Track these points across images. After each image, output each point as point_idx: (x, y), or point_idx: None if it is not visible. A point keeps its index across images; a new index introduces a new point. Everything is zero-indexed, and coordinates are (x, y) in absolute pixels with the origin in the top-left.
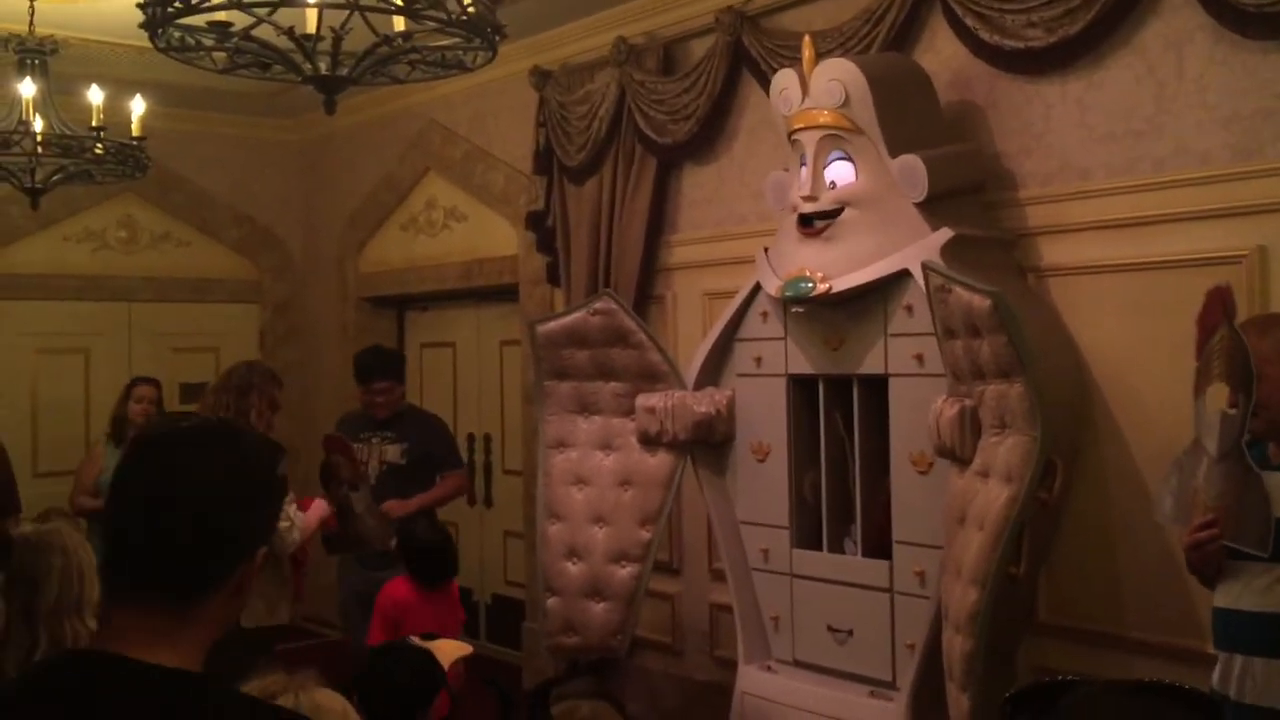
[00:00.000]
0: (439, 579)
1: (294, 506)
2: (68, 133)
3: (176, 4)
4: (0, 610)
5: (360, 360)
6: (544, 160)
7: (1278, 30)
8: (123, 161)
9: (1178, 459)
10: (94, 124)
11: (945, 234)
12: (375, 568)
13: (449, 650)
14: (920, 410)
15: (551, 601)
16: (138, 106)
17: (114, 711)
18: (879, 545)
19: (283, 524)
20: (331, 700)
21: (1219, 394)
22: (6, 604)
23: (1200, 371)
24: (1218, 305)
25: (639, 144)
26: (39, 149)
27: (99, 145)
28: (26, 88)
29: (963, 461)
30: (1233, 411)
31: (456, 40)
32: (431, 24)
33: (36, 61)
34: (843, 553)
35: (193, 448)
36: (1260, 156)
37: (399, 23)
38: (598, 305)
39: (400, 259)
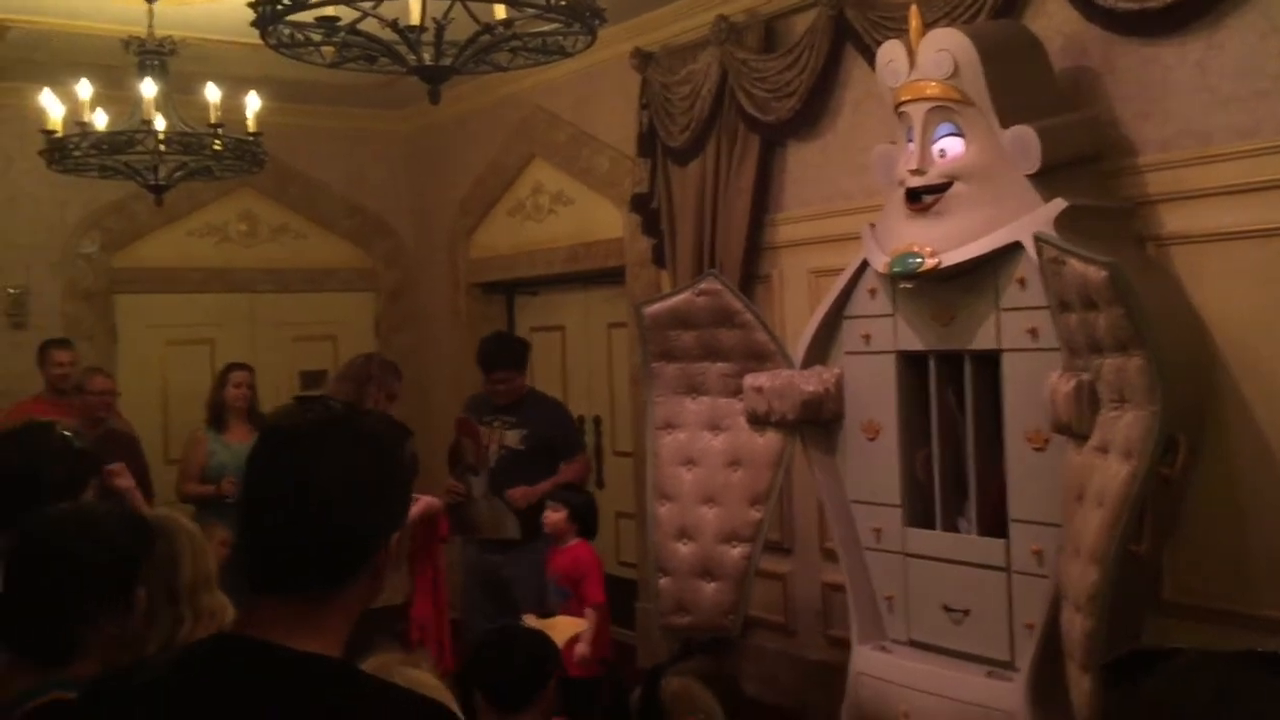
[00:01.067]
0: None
1: None
2: (188, 131)
3: (285, 1)
4: (142, 593)
5: (482, 348)
6: (648, 142)
7: None
8: (240, 157)
9: None
10: (212, 121)
11: (1059, 204)
12: (492, 551)
13: (565, 628)
14: (1035, 386)
15: (663, 581)
16: (253, 103)
17: (264, 698)
18: (994, 523)
19: None
20: (427, 680)
21: None
22: (147, 586)
23: None
24: None
25: (742, 123)
26: (161, 147)
27: (218, 141)
28: (148, 88)
29: (1080, 437)
30: None
31: (556, 26)
32: (531, 10)
33: (156, 63)
34: (957, 531)
35: (323, 438)
36: None
37: (499, 11)
38: (703, 285)
39: (508, 244)
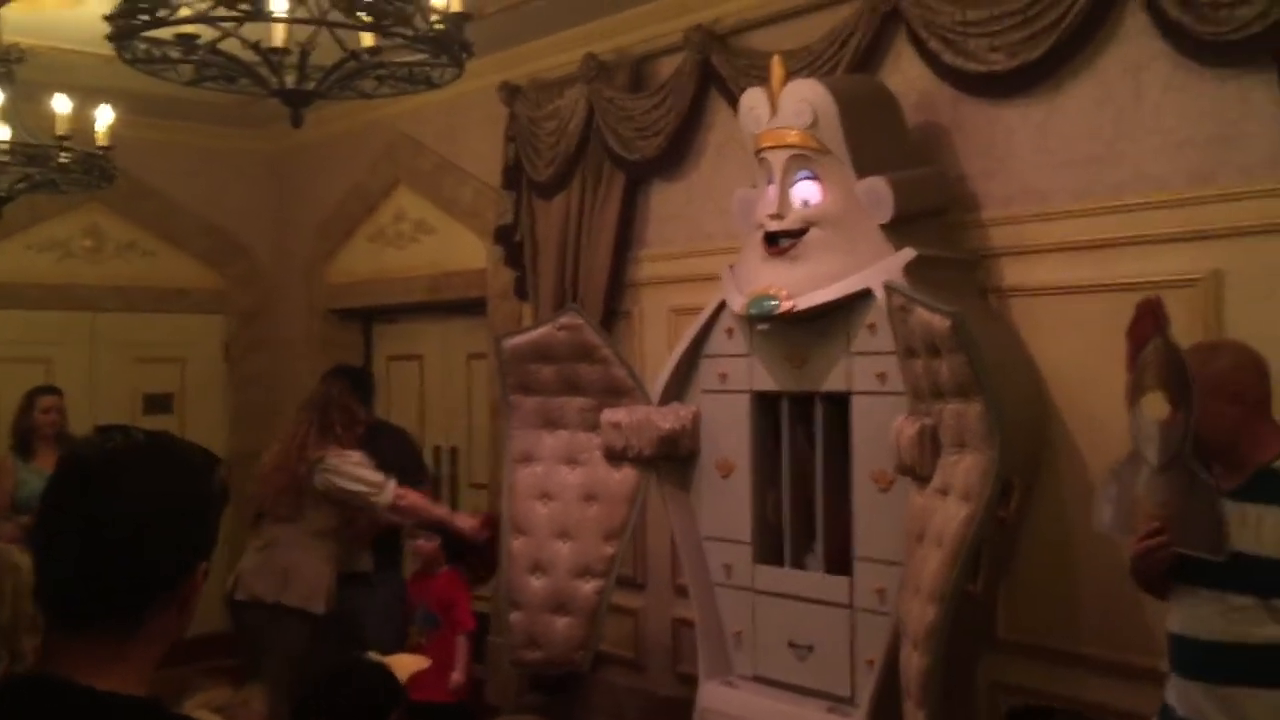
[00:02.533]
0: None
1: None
2: (33, 141)
3: (143, 17)
4: None
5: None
6: (513, 175)
7: (1232, 58)
8: (89, 171)
9: (1114, 468)
10: (59, 133)
11: (908, 254)
12: (341, 584)
13: (407, 664)
14: (882, 428)
15: (515, 616)
16: (105, 116)
17: None
18: (840, 562)
19: (363, 489)
20: None
21: (1154, 403)
22: None
23: (1133, 382)
24: (1149, 316)
25: (608, 160)
26: (3, 158)
27: (65, 154)
28: None
29: (923, 479)
30: (1172, 421)
31: (424, 56)
32: (399, 40)
33: (2, 70)
34: (805, 569)
35: (125, 467)
36: (1215, 182)
37: (366, 38)
38: (564, 320)
39: (368, 270)
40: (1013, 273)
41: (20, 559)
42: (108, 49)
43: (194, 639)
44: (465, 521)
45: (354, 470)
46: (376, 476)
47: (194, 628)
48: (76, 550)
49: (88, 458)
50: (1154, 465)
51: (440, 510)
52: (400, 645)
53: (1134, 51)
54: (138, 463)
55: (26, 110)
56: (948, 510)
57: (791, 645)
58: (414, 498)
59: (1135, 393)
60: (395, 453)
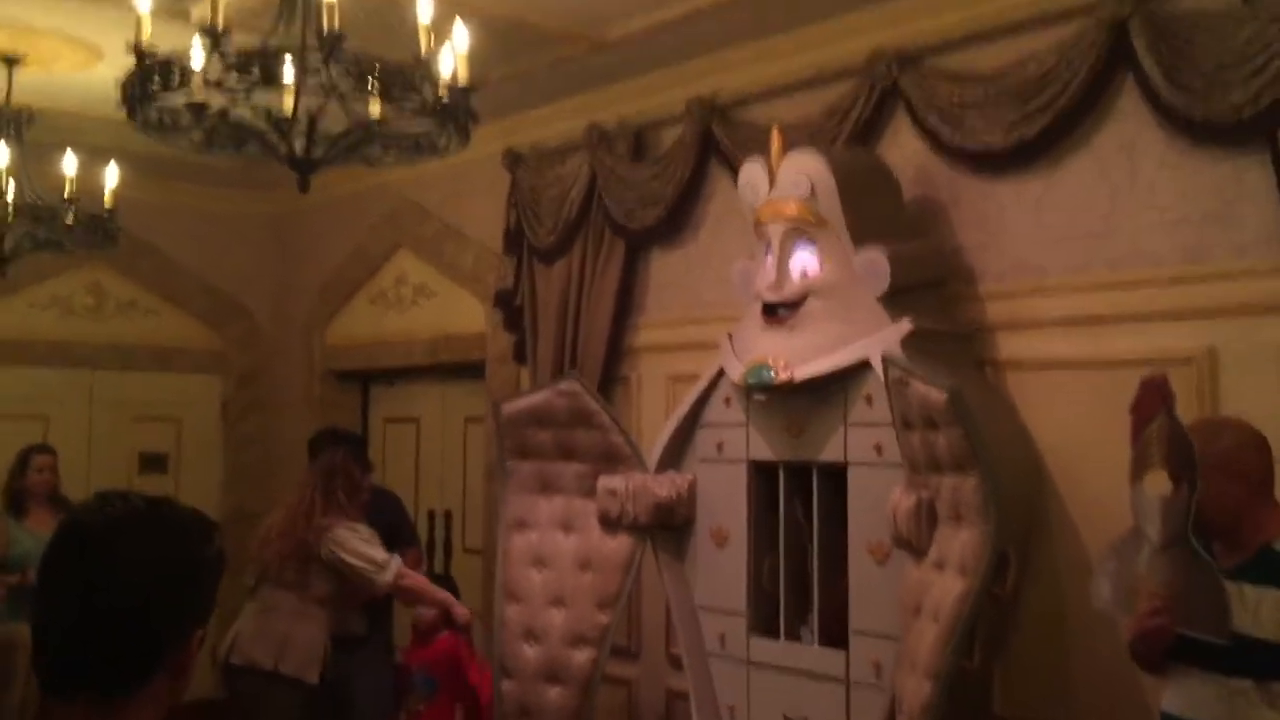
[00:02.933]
0: None
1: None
2: (39, 201)
3: (155, 83)
4: None
5: (316, 444)
6: (514, 240)
7: (1224, 138)
8: (93, 231)
9: (1114, 545)
10: (67, 194)
11: (905, 326)
12: (346, 651)
13: None
14: (878, 500)
15: (507, 685)
16: (111, 177)
17: None
18: (836, 634)
19: (366, 567)
20: None
21: (1157, 480)
22: None
23: (1137, 458)
24: (1155, 393)
25: (608, 227)
26: (10, 216)
27: (71, 214)
28: (1, 155)
29: (919, 552)
30: (1175, 499)
31: (430, 126)
32: (407, 110)
33: (12, 130)
34: (800, 641)
35: (124, 533)
36: (1209, 260)
37: (375, 108)
38: (563, 386)
39: (368, 333)
40: (1009, 346)
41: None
42: (117, 111)
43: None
44: (462, 610)
45: (360, 547)
46: (381, 555)
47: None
48: (73, 617)
49: (86, 524)
50: (1156, 544)
51: (440, 594)
52: (391, 709)
53: (1129, 130)
54: (136, 529)
55: (34, 170)
56: (944, 584)
57: (786, 719)
58: (416, 579)
59: (1138, 469)
60: (385, 516)
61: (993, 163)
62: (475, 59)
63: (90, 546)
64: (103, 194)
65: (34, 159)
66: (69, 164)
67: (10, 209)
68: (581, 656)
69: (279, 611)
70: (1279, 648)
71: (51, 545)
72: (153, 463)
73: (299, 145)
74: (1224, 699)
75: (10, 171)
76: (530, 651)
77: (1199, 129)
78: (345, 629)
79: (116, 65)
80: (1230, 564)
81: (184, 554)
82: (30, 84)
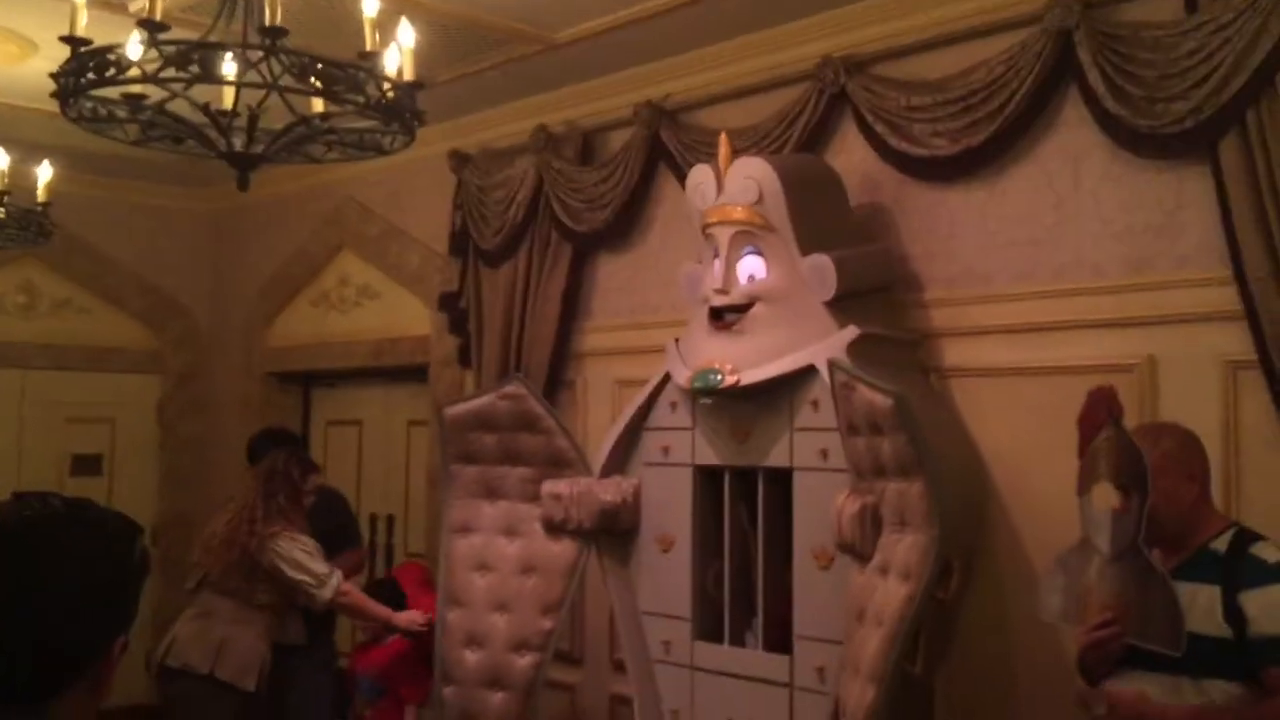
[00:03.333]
0: None
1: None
2: None
3: (91, 75)
4: None
5: (256, 446)
6: (459, 242)
7: (1167, 150)
8: (25, 227)
9: (1061, 557)
10: None
11: (852, 332)
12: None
13: None
14: (823, 505)
15: (448, 691)
16: (44, 172)
17: None
18: (780, 639)
19: (307, 580)
20: None
21: (1105, 492)
22: None
23: (1084, 470)
24: (1101, 405)
25: (555, 230)
26: None
27: (1, 209)
28: None
29: (863, 558)
30: (1125, 510)
31: (375, 123)
32: (351, 106)
33: None
34: (744, 646)
35: (40, 537)
36: (1151, 269)
37: (317, 104)
38: (507, 389)
39: (309, 334)
40: (954, 353)
41: None
42: (51, 105)
43: (115, 709)
44: (405, 618)
45: (301, 559)
46: (322, 569)
47: (119, 697)
48: None
49: (2, 527)
50: (1106, 555)
51: (378, 610)
52: (328, 718)
53: (1074, 141)
54: (55, 532)
55: None
56: (888, 589)
57: None
58: (356, 596)
59: (1086, 481)
60: (328, 515)
61: (939, 170)
62: (423, 59)
63: (5, 552)
64: (35, 190)
65: None
66: (0, 158)
67: None
68: (524, 662)
69: (218, 616)
70: (1211, 641)
71: None
72: (86, 464)
73: (239, 141)
74: (1162, 695)
75: None
76: (472, 657)
77: (1142, 139)
78: (286, 636)
79: (52, 59)
80: (1170, 566)
81: (106, 558)
82: None
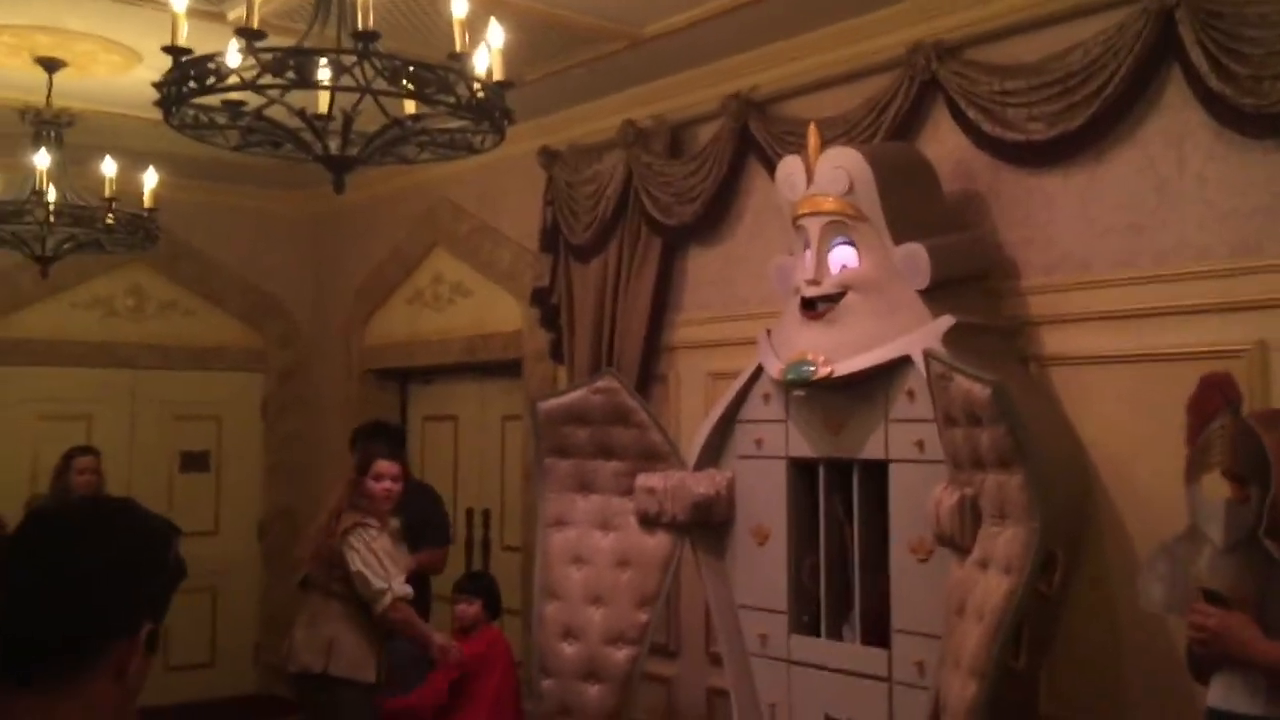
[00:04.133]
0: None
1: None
2: (80, 203)
3: (192, 84)
4: None
5: (353, 440)
6: (550, 238)
7: (1274, 129)
8: (133, 232)
9: (1166, 545)
10: (106, 195)
11: (947, 321)
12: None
13: None
14: (920, 497)
15: (547, 684)
16: (150, 179)
17: None
18: (878, 633)
19: (377, 585)
20: None
21: (1217, 481)
22: None
23: (1195, 458)
24: (1216, 391)
25: (645, 224)
26: (50, 219)
27: (110, 216)
28: (41, 159)
29: (962, 551)
30: (1242, 500)
31: (466, 123)
32: (442, 107)
33: (52, 133)
34: (841, 639)
35: (70, 526)
36: (1260, 253)
37: (410, 105)
38: (600, 384)
39: (405, 332)
40: (1053, 341)
41: None
42: (155, 113)
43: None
44: (441, 643)
45: (361, 567)
46: (379, 584)
47: (225, 689)
48: (12, 601)
49: (40, 514)
50: (1220, 545)
51: (421, 631)
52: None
53: (1176, 122)
54: (94, 518)
55: (75, 172)
56: (988, 583)
57: (828, 718)
58: (405, 613)
59: (1196, 470)
60: (422, 513)
61: (1036, 155)
62: (511, 58)
63: (32, 538)
64: (142, 196)
65: (74, 162)
66: (108, 166)
67: (51, 211)
68: (621, 655)
69: (325, 615)
70: None
71: (12, 534)
72: (194, 461)
73: (334, 144)
74: (1267, 688)
75: (50, 175)
76: (570, 650)
77: (1248, 119)
78: None
79: (154, 68)
80: None
81: (138, 545)
82: (70, 88)
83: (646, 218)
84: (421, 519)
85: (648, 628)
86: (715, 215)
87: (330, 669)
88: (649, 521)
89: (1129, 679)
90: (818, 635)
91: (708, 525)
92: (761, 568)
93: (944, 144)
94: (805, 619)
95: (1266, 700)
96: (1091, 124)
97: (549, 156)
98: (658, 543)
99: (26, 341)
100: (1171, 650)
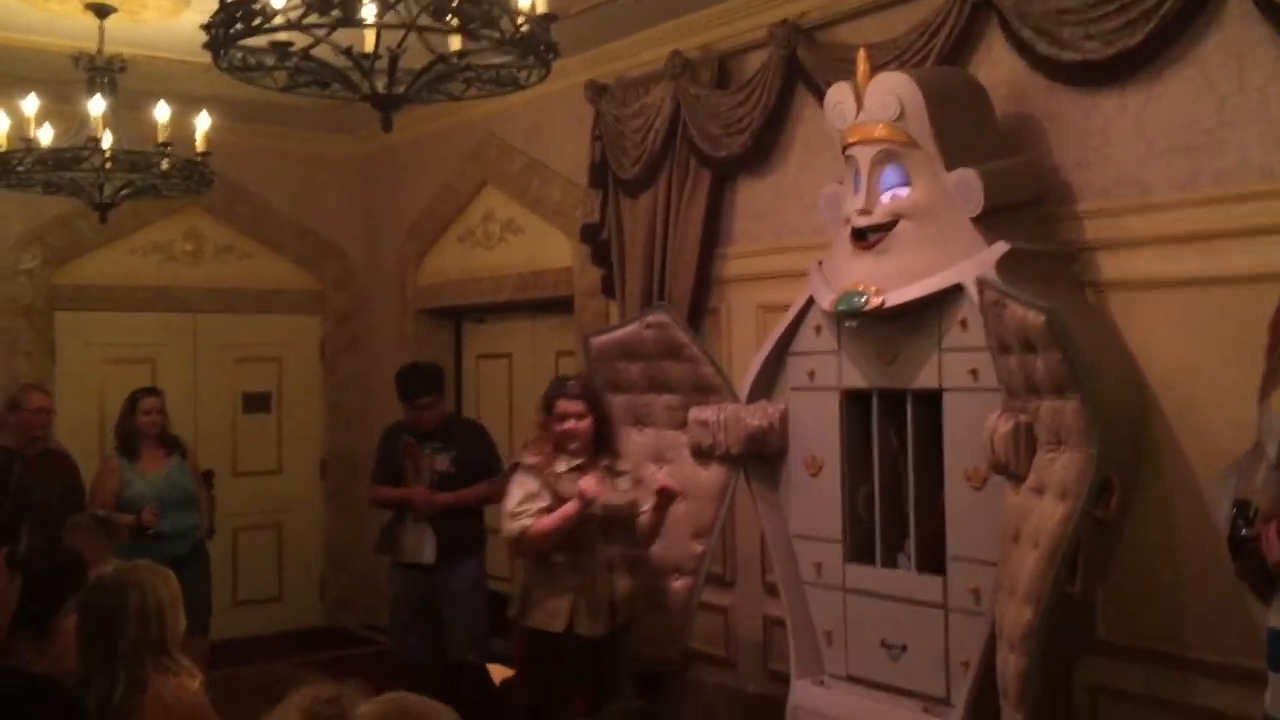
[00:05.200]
0: None
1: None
2: (135, 149)
3: (239, 25)
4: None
5: (401, 377)
6: (599, 173)
7: None
8: (188, 176)
9: (1237, 461)
10: (161, 140)
11: (1001, 248)
12: (422, 572)
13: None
14: (975, 426)
15: None
16: (203, 122)
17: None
18: (933, 561)
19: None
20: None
21: None
22: (87, 644)
23: (1268, 374)
24: None
25: (693, 157)
26: (107, 165)
27: (166, 161)
28: (96, 105)
29: (1018, 478)
30: None
31: (511, 58)
32: (486, 43)
33: (105, 79)
34: (896, 568)
35: None
36: None
37: (455, 42)
38: (651, 318)
39: (458, 271)
40: (1111, 266)
41: (148, 578)
42: (205, 57)
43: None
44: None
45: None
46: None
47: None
48: None
49: None
50: (1271, 460)
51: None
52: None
53: (1237, 37)
54: None
55: (129, 118)
56: (1044, 509)
57: (884, 645)
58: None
59: (1269, 385)
60: (475, 446)
61: (1092, 75)
62: None
63: None
64: (195, 141)
65: (127, 107)
66: (161, 111)
67: (107, 158)
68: (678, 585)
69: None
70: None
71: None
72: (256, 402)
73: (381, 83)
74: None
75: (105, 121)
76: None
77: None
78: (418, 557)
79: (203, 10)
80: None
81: None
82: (120, 33)
83: (695, 150)
84: (471, 456)
85: (704, 558)
86: (764, 146)
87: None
88: (703, 454)
89: (1186, 604)
90: (873, 564)
91: (761, 457)
92: (815, 498)
93: (997, 67)
94: (860, 548)
95: None
96: (1150, 41)
97: (596, 90)
98: (712, 475)
99: (88, 287)
100: (1230, 574)
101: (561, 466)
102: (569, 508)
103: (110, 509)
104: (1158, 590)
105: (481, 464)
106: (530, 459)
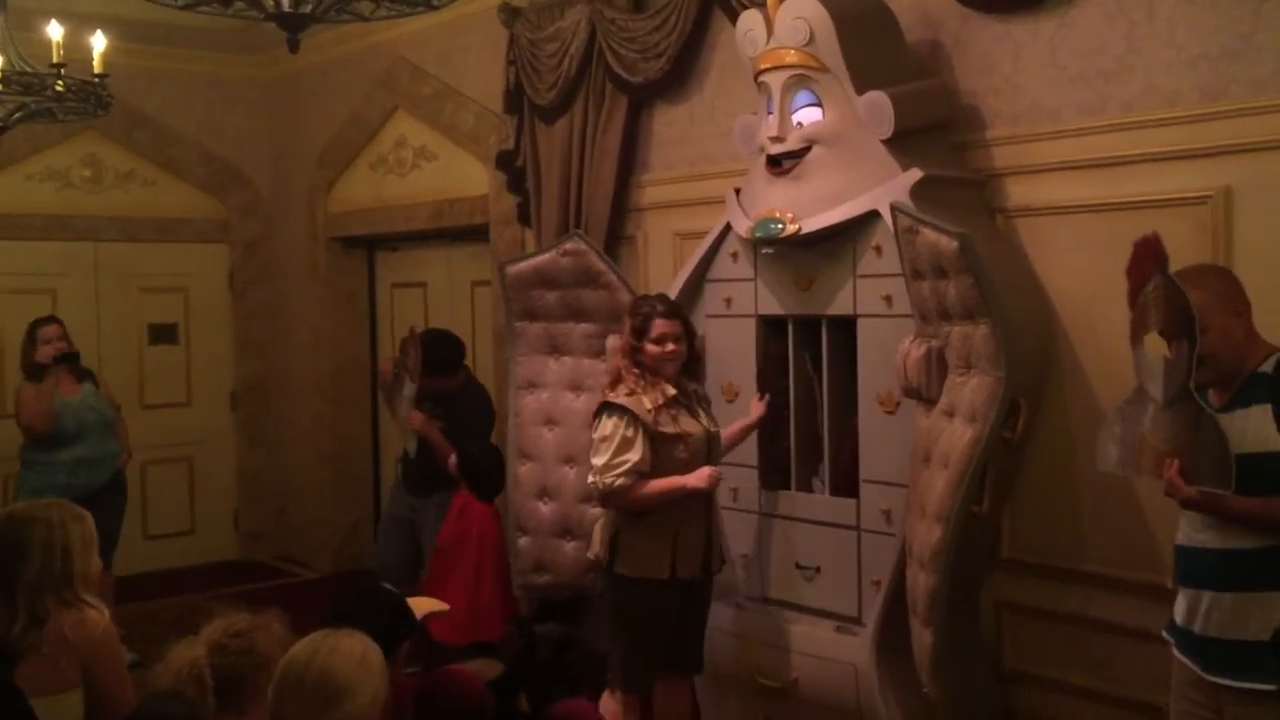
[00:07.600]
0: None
1: None
2: (28, 70)
3: None
4: None
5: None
6: (514, 99)
7: None
8: (84, 99)
9: (1119, 407)
10: (54, 61)
11: (914, 174)
12: (412, 493)
13: (423, 605)
14: (888, 351)
15: (523, 541)
16: (98, 43)
17: None
18: (847, 484)
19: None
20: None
21: (1158, 341)
22: None
23: (1136, 320)
24: (1149, 255)
25: (610, 82)
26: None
27: (60, 83)
28: None
29: (929, 402)
30: (1176, 356)
31: None
32: None
33: None
34: (811, 492)
35: None
36: (1227, 97)
37: None
38: (567, 246)
39: (370, 199)
40: (1020, 192)
41: (57, 516)
42: None
43: (206, 566)
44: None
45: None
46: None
47: (206, 555)
48: None
49: None
50: (1159, 402)
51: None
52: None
53: None
54: None
55: (21, 38)
56: (954, 432)
57: (799, 567)
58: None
59: (1138, 331)
60: (460, 422)
61: (1003, 1)
62: None
63: None
64: (91, 62)
65: (18, 27)
66: (54, 30)
67: None
68: (595, 511)
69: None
70: (1261, 457)
71: None
72: (163, 334)
73: (286, 1)
74: (1221, 523)
75: None
76: (545, 509)
77: None
78: (397, 412)
79: None
80: (1225, 398)
81: None
82: None
83: (611, 75)
84: (470, 417)
85: None
86: (681, 72)
87: (615, 566)
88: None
89: (1088, 521)
90: (788, 488)
91: None
92: (732, 424)
93: None
94: (776, 472)
95: (1223, 531)
96: None
97: (510, 13)
98: None
99: None
100: (1131, 497)
101: (649, 401)
102: (687, 483)
103: (52, 415)
104: (1059, 509)
105: (461, 434)
106: (622, 397)
